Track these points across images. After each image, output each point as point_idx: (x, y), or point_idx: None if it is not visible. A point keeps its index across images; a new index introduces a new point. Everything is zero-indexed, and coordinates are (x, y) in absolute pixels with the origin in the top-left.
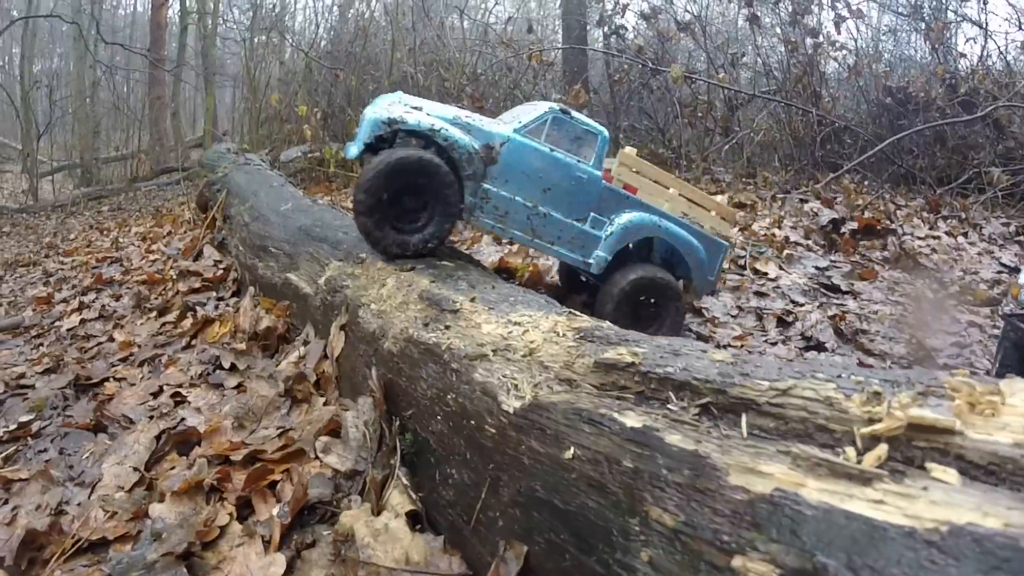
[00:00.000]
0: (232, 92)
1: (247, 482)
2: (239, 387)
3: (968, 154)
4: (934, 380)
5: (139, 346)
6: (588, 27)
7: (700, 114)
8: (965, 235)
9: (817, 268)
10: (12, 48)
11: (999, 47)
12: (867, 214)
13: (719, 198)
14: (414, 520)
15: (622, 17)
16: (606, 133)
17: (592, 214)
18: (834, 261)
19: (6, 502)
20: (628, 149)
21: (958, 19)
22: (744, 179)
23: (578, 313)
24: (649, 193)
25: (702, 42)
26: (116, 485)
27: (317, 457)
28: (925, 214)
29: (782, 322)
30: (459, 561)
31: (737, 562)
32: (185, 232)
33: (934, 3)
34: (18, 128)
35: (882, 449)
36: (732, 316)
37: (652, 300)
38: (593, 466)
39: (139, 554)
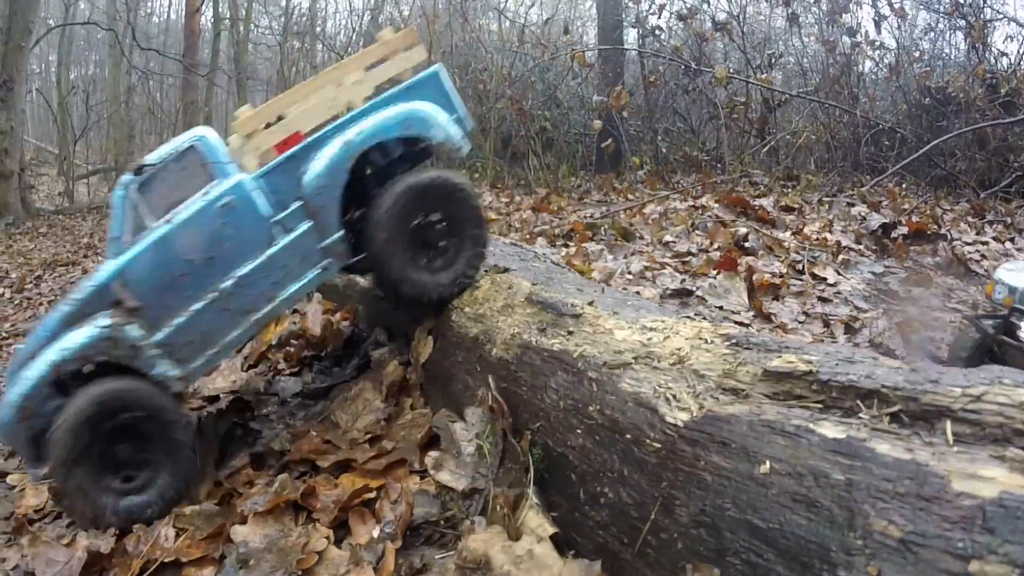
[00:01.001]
0: (264, 96)
1: (346, 500)
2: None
3: (1008, 156)
4: None
5: None
6: (624, 27)
7: (736, 116)
8: (1012, 240)
9: (873, 273)
10: (49, 55)
11: None
12: (915, 218)
13: None
14: (558, 545)
15: (659, 18)
16: (200, 134)
17: (280, 217)
18: (888, 267)
19: (59, 516)
20: (241, 111)
21: (998, 16)
22: (782, 183)
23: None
24: (306, 121)
25: (739, 42)
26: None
27: (425, 473)
28: (971, 219)
29: (849, 328)
30: None
31: (974, 567)
32: None
33: (973, 1)
34: (55, 133)
35: None
36: (800, 322)
37: (436, 216)
38: (796, 480)
39: None
